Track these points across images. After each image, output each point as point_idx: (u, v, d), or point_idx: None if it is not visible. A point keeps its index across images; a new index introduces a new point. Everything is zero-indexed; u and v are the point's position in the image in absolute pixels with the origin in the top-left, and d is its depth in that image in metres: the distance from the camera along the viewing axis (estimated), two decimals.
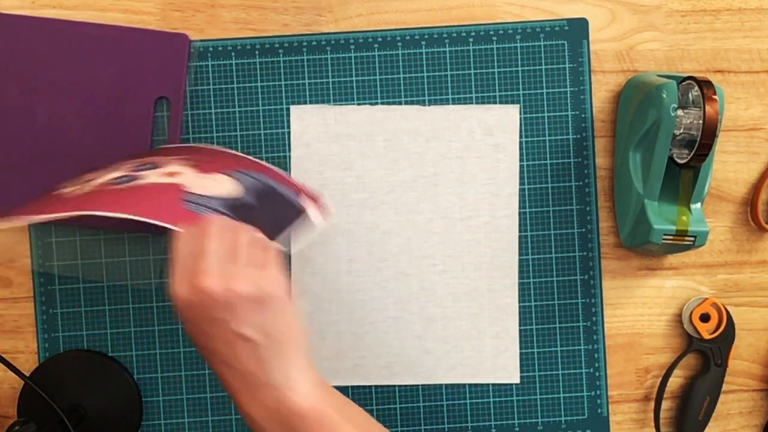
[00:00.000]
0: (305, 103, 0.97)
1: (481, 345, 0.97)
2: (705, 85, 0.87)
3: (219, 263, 0.66)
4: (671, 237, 0.90)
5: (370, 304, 0.97)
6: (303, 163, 0.97)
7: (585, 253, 0.98)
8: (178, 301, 0.67)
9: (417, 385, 0.98)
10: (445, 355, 0.97)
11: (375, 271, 0.97)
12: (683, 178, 0.92)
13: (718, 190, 0.99)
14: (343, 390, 0.98)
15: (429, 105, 0.97)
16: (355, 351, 0.97)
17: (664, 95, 0.88)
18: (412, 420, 0.98)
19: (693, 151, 0.88)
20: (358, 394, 0.98)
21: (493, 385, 0.98)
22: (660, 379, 0.99)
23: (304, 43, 0.97)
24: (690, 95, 0.90)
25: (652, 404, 1.00)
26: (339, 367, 0.97)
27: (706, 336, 0.98)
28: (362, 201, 0.97)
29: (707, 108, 0.86)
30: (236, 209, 0.77)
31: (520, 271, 0.98)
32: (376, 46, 0.97)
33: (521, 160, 0.98)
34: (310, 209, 0.84)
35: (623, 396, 1.00)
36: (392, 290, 0.97)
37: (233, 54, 0.97)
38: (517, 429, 0.99)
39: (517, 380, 0.98)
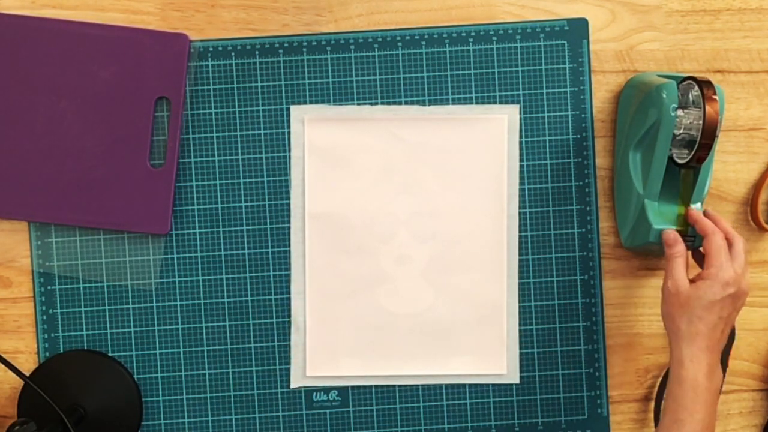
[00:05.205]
0: (305, 103, 0.97)
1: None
2: (705, 85, 0.87)
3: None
4: None
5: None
6: (303, 163, 0.97)
7: (585, 253, 0.98)
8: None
9: (417, 385, 0.98)
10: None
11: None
12: (683, 178, 0.92)
13: (718, 190, 0.99)
14: (343, 390, 0.98)
15: (429, 105, 0.97)
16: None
17: (664, 95, 0.88)
18: (412, 420, 0.98)
19: (693, 152, 0.88)
20: (359, 394, 0.98)
21: (493, 385, 0.98)
22: (660, 379, 0.99)
23: (304, 43, 0.97)
24: (690, 95, 0.90)
25: (652, 404, 1.00)
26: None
27: None
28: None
29: (707, 108, 0.86)
30: None
31: (520, 271, 0.98)
32: (376, 46, 0.97)
33: (521, 160, 0.98)
34: None
35: (623, 396, 1.00)
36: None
37: (233, 54, 0.97)
38: (517, 429, 0.99)
39: (517, 380, 0.98)
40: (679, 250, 0.89)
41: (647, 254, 0.99)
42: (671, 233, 0.90)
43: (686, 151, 0.90)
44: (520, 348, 0.98)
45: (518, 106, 0.97)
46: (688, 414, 0.83)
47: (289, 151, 0.97)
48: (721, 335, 0.87)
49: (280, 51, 0.97)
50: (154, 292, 0.97)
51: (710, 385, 0.85)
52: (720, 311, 0.86)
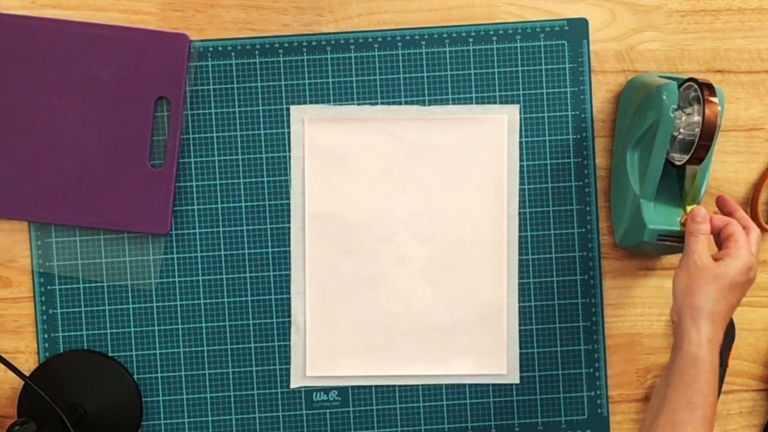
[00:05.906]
0: (305, 103, 0.97)
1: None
2: (705, 88, 0.87)
3: None
4: (666, 237, 0.89)
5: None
6: (303, 163, 0.97)
7: (585, 253, 0.98)
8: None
9: (417, 385, 0.98)
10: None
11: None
12: (685, 179, 0.92)
13: (718, 190, 0.99)
14: (343, 390, 0.98)
15: (429, 105, 0.97)
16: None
17: (664, 96, 0.88)
18: (412, 420, 0.98)
19: (691, 153, 0.88)
20: (359, 394, 0.98)
21: (493, 385, 0.98)
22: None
23: (304, 43, 0.97)
24: (690, 97, 0.90)
25: None
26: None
27: None
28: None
29: (706, 110, 0.86)
30: None
31: (520, 271, 0.98)
32: (376, 46, 0.97)
33: (521, 160, 0.98)
34: None
35: (623, 396, 1.00)
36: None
37: (233, 54, 0.97)
38: (517, 429, 0.99)
39: (517, 380, 0.98)
40: (705, 228, 0.86)
41: (641, 254, 0.99)
42: (702, 209, 0.87)
43: (684, 153, 0.90)
44: (520, 348, 0.98)
45: (518, 106, 0.97)
46: (703, 397, 0.80)
47: (289, 151, 0.97)
48: (729, 320, 0.85)
49: (280, 51, 0.97)
50: (154, 292, 0.97)
51: (718, 367, 0.83)
52: (740, 294, 0.85)
